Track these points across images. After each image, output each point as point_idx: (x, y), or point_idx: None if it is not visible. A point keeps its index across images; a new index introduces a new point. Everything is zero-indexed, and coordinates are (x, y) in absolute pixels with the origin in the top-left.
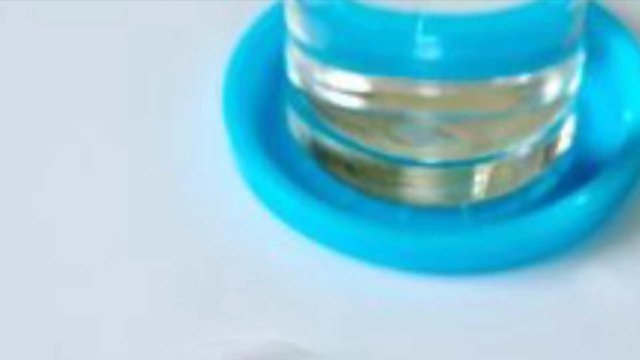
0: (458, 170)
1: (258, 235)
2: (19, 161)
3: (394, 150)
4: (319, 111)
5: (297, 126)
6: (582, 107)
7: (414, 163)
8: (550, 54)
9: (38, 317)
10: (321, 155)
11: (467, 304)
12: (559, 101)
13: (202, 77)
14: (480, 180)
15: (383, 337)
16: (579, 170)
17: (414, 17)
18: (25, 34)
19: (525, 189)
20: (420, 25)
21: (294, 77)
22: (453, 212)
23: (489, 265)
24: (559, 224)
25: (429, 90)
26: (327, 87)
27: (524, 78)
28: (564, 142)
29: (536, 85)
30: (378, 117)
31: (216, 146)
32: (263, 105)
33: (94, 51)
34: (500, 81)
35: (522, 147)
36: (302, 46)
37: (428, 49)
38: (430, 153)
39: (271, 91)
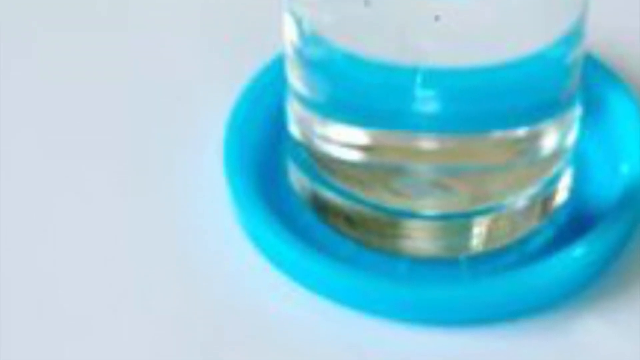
0: (456, 223)
1: (259, 287)
2: (22, 215)
3: (393, 202)
4: (319, 164)
5: (297, 179)
6: (579, 160)
7: (413, 215)
8: (547, 108)
9: None
10: (321, 207)
11: (466, 355)
12: (557, 154)
13: (204, 131)
14: (479, 233)
15: None
16: (576, 222)
17: (413, 71)
18: (29, 90)
19: (523, 241)
20: (419, 79)
21: (294, 130)
22: (452, 263)
23: (488, 317)
24: (557, 276)
25: (427, 143)
26: (327, 140)
27: (521, 131)
28: (561, 195)
29: (534, 139)
30: (377, 170)
31: (217, 199)
32: (263, 158)
33: (97, 106)
34: (498, 134)
35: (520, 200)
36: (302, 100)
37: (427, 102)
38: (429, 205)
39: (271, 144)
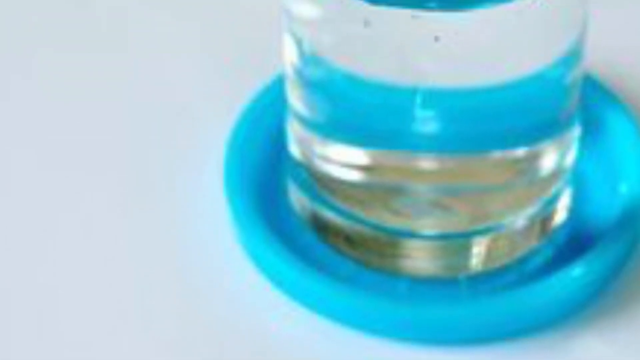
0: (456, 242)
1: (259, 306)
2: (24, 234)
3: (393, 222)
4: (319, 184)
5: (297, 199)
6: (578, 179)
7: (412, 235)
8: (546, 128)
9: None
10: (321, 227)
11: None
12: (556, 174)
13: (204, 150)
14: (478, 252)
15: None
16: (575, 242)
17: (412, 91)
18: (30, 110)
19: (522, 261)
20: (418, 99)
21: (295, 150)
22: (451, 283)
23: (487, 336)
24: (556, 295)
25: (427, 163)
26: (327, 160)
27: (521, 151)
28: (560, 215)
29: (533, 159)
30: (377, 189)
31: (218, 218)
32: (264, 178)
33: (98, 125)
34: (497, 154)
35: (519, 220)
36: (303, 120)
37: (426, 122)
38: (429, 225)
39: (272, 164)
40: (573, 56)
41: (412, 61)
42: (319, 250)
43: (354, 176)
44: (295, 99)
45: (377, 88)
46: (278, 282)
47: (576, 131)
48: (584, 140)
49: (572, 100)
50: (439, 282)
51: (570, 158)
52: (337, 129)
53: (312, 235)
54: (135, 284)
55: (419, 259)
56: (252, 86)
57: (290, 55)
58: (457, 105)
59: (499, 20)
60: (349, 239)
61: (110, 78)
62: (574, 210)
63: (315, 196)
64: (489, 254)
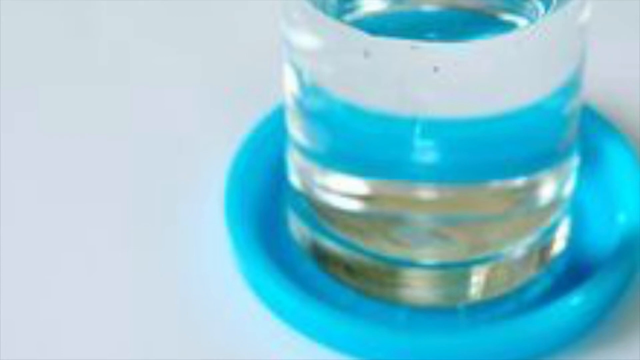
0: (455, 272)
1: (259, 335)
2: (25, 267)
3: (393, 252)
4: (319, 214)
5: (297, 228)
6: (577, 209)
7: (412, 264)
8: (545, 158)
9: None
10: (321, 256)
11: None
12: (554, 204)
13: (205, 181)
14: (477, 282)
15: None
16: (574, 271)
17: (412, 122)
18: (30, 142)
19: (521, 290)
20: (418, 130)
21: (295, 180)
22: (450, 312)
23: None
24: (554, 325)
25: (426, 193)
26: (327, 190)
27: (519, 181)
28: (559, 244)
29: (531, 188)
30: (377, 219)
31: (218, 248)
32: (264, 207)
33: (98, 157)
34: (496, 184)
35: (518, 249)
36: (303, 150)
37: (426, 152)
38: (428, 255)
39: (272, 194)
40: (571, 87)
41: (412, 91)
42: (319, 279)
43: (354, 206)
44: (296, 129)
45: (376, 118)
46: (278, 311)
47: (575, 161)
48: (582, 170)
49: (570, 130)
50: (438, 311)
51: (569, 188)
52: (337, 159)
53: (312, 264)
54: (136, 313)
55: (418, 288)
56: (252, 116)
57: (290, 86)
58: (456, 136)
59: (497, 51)
60: (349, 268)
61: (112, 108)
62: (573, 240)
63: (315, 226)
64: (488, 283)
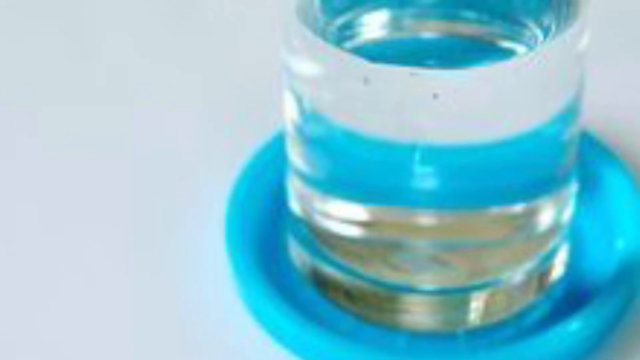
0: (454, 297)
1: None
2: (24, 290)
3: (392, 277)
4: (319, 239)
5: (297, 254)
6: (575, 235)
7: (411, 290)
8: (544, 184)
9: None
10: (321, 282)
11: None
12: (553, 230)
13: (205, 206)
14: (476, 307)
15: None
16: (572, 297)
17: (411, 148)
18: (30, 166)
19: (520, 316)
20: (417, 156)
21: (295, 206)
22: (449, 337)
23: None
24: (553, 350)
25: (426, 219)
26: (327, 216)
27: (518, 207)
28: (558, 270)
29: (530, 215)
30: (377, 245)
31: (219, 274)
32: (264, 233)
33: (99, 182)
34: (495, 210)
35: (517, 275)
36: (303, 176)
37: (425, 179)
38: (427, 280)
39: (272, 220)
40: (570, 113)
41: (411, 118)
42: (319, 305)
43: (354, 232)
44: (296, 156)
45: (376, 145)
46: (279, 336)
47: (573, 187)
48: (581, 196)
49: (569, 156)
50: (438, 336)
51: (568, 214)
52: (337, 185)
53: (312, 290)
54: (136, 338)
55: (418, 313)
56: (252, 142)
57: (290, 112)
58: (455, 162)
59: (497, 78)
60: (349, 294)
61: (111, 134)
62: (571, 266)
63: (315, 252)
64: (487, 309)
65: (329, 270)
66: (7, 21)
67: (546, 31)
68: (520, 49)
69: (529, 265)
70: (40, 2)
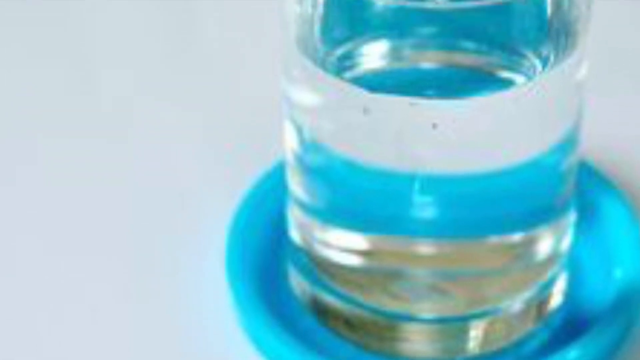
0: (453, 326)
1: None
2: (26, 321)
3: (392, 306)
4: (319, 268)
5: (297, 283)
6: (574, 264)
7: (411, 319)
8: (542, 213)
9: None
10: (321, 311)
11: None
12: (551, 259)
13: (206, 236)
14: (475, 336)
15: None
16: (571, 325)
17: (411, 178)
18: (33, 197)
19: (519, 344)
20: (417, 186)
21: (295, 235)
22: None
23: None
24: None
25: (425, 248)
26: (327, 245)
27: (517, 237)
28: (556, 299)
29: (529, 244)
30: (376, 274)
31: (219, 302)
32: (265, 262)
33: (101, 211)
34: (494, 240)
35: (516, 304)
36: (303, 205)
37: (425, 208)
38: (427, 309)
39: (272, 249)
40: (569, 143)
41: (411, 148)
42: (319, 333)
43: (354, 261)
44: (296, 185)
45: (376, 174)
46: None
47: (572, 216)
48: (579, 225)
49: (567, 186)
50: None
51: (566, 243)
52: (337, 214)
53: (313, 319)
54: None
55: (418, 342)
56: (253, 172)
57: (290, 142)
58: (454, 191)
59: (495, 108)
60: (349, 323)
61: (113, 163)
62: (570, 294)
63: (315, 280)
64: (486, 337)
65: (329, 299)
66: (12, 55)
67: (545, 61)
68: (519, 79)
69: (527, 294)
70: (44, 37)
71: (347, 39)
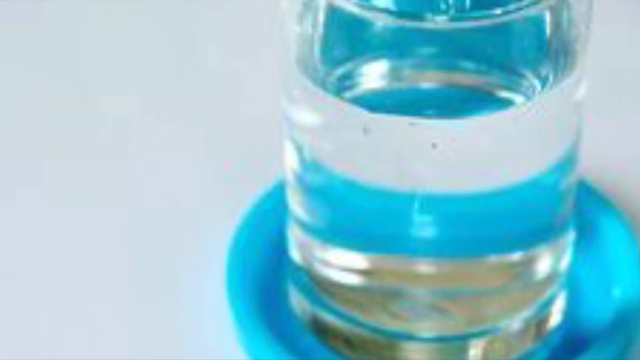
0: (453, 345)
1: None
2: (26, 341)
3: (392, 325)
4: (319, 287)
5: (297, 302)
6: (573, 283)
7: (410, 338)
8: (542, 233)
9: None
10: (321, 330)
11: None
12: (550, 278)
13: (206, 255)
14: (475, 355)
15: None
16: (570, 344)
17: (410, 197)
18: (34, 217)
19: None
20: (416, 205)
21: (295, 254)
22: None
23: None
24: None
25: (425, 267)
26: (327, 264)
27: (516, 256)
28: (555, 317)
29: (528, 263)
30: (376, 293)
31: (220, 321)
32: (265, 282)
33: (101, 231)
34: (493, 259)
35: (515, 322)
36: (303, 225)
37: (424, 227)
38: (426, 328)
39: (273, 268)
40: (568, 162)
41: (410, 167)
42: (319, 352)
43: (353, 280)
44: (296, 204)
45: (375, 194)
46: None
47: (571, 236)
48: (578, 244)
49: (566, 205)
50: None
51: (565, 262)
52: (337, 233)
53: (313, 337)
54: None
55: None
56: (253, 191)
57: (290, 162)
58: (454, 211)
59: (495, 127)
60: (349, 342)
61: (114, 184)
62: (569, 313)
63: (315, 299)
64: (486, 356)
65: (329, 318)
66: (13, 75)
67: (544, 81)
68: (518, 98)
69: (526, 313)
70: (44, 58)
71: (347, 59)
